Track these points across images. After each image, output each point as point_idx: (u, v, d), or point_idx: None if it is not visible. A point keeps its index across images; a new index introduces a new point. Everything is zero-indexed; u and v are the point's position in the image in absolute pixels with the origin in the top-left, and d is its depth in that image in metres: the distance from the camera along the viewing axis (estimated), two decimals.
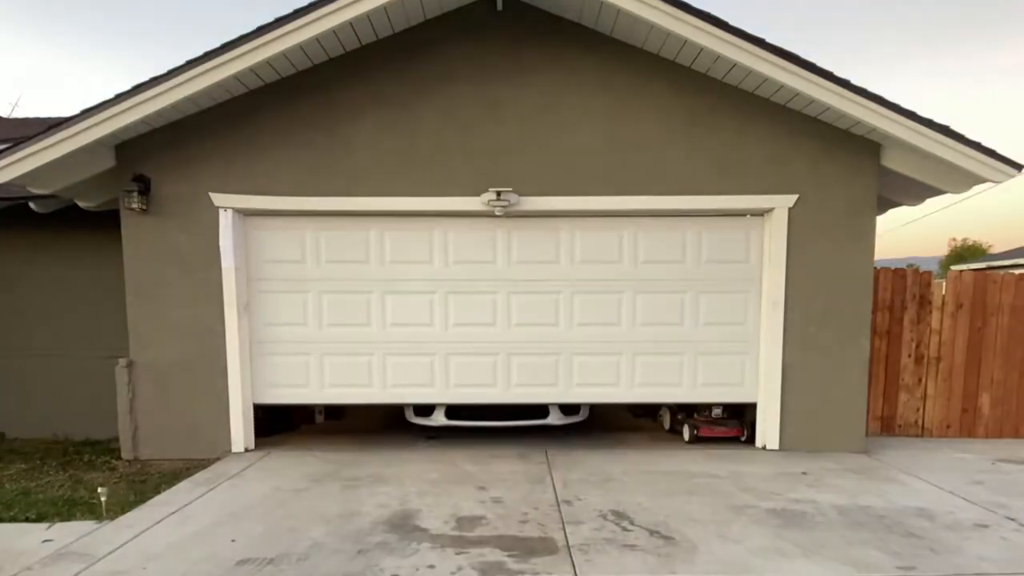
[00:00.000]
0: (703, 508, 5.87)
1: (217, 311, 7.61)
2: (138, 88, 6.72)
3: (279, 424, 8.82)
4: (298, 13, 6.55)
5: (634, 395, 8.25)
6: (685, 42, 6.89)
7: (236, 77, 6.92)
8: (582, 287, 7.99)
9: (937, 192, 7.85)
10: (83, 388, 8.81)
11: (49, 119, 8.87)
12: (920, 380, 8.77)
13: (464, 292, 7.98)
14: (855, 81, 6.83)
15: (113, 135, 7.01)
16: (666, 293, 8.01)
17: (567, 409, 8.40)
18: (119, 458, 7.75)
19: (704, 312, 8.03)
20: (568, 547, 4.99)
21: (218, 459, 7.52)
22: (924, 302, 8.67)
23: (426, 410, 8.36)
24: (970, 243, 62.45)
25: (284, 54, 6.82)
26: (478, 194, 7.49)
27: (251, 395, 7.91)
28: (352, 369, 8.05)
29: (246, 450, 7.80)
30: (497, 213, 7.52)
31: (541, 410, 8.31)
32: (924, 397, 8.80)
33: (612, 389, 8.17)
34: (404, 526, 5.41)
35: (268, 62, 6.87)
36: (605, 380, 8.14)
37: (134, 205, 7.34)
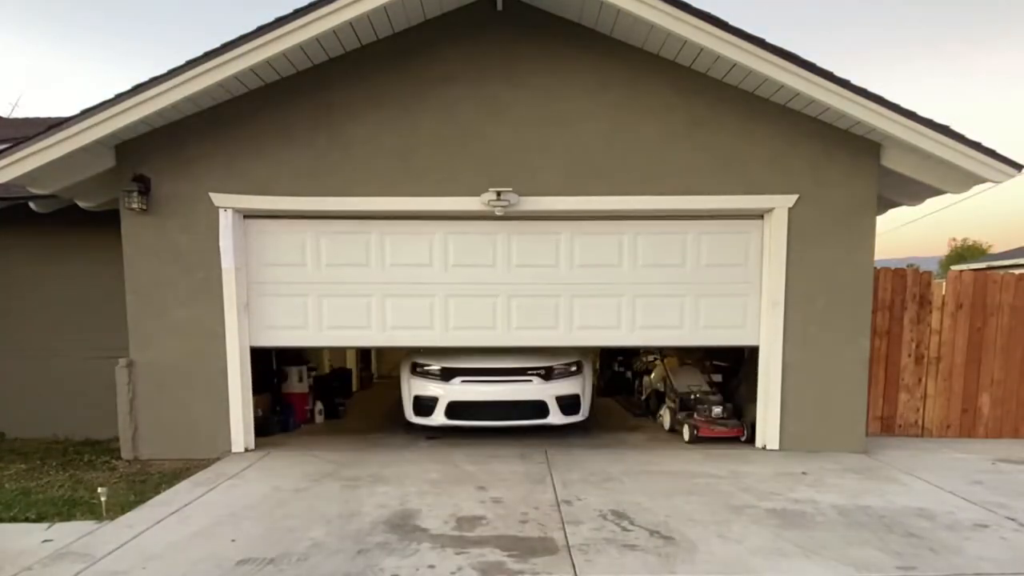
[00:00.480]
0: (703, 508, 5.87)
1: (217, 311, 7.62)
2: (138, 88, 6.72)
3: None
4: (298, 13, 6.55)
5: (635, 338, 8.22)
6: (685, 42, 6.89)
7: (236, 77, 6.93)
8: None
9: (937, 192, 7.86)
10: (83, 388, 8.80)
11: (49, 119, 8.85)
12: (920, 380, 8.77)
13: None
14: (855, 81, 6.84)
15: (113, 135, 7.01)
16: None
17: (567, 409, 8.40)
18: (119, 458, 7.75)
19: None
20: (568, 547, 4.99)
21: (218, 459, 7.52)
22: (924, 302, 8.67)
23: (427, 410, 8.36)
24: (970, 243, 62.36)
25: (284, 54, 6.82)
26: (478, 194, 7.49)
27: (248, 340, 7.85)
28: (351, 311, 8.01)
29: (246, 450, 7.79)
30: (497, 213, 7.52)
31: (541, 410, 8.31)
32: (924, 397, 8.81)
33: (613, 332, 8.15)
34: (404, 526, 5.41)
35: (268, 62, 6.87)
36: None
37: (134, 205, 7.34)
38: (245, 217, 7.73)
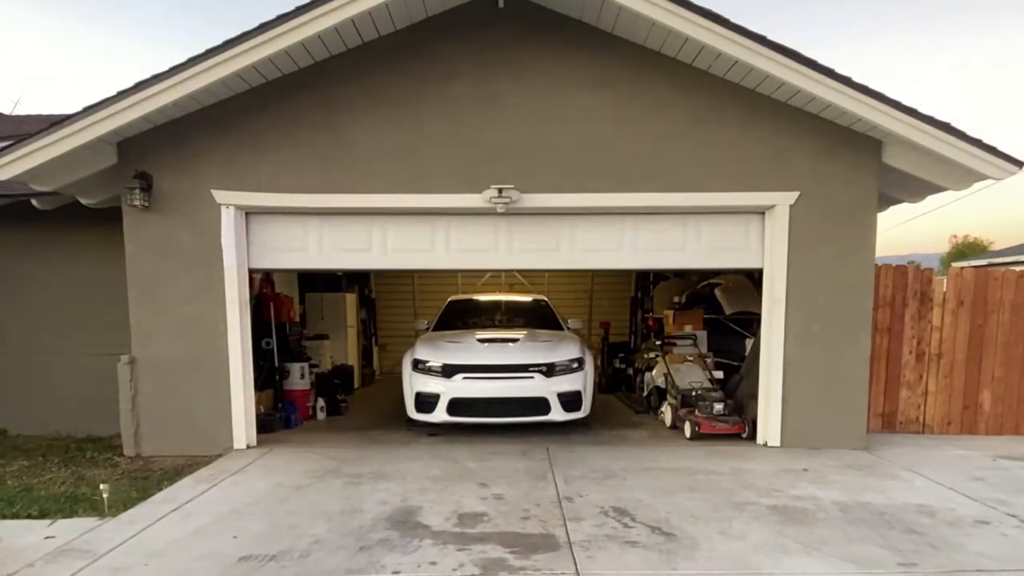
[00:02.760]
0: (704, 504, 5.88)
1: (219, 308, 7.63)
2: (140, 85, 6.72)
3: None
4: (301, 10, 6.56)
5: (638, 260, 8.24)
6: (686, 39, 6.90)
7: (239, 74, 6.93)
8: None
9: (938, 189, 7.86)
10: (85, 385, 8.82)
11: (51, 116, 8.87)
12: (921, 377, 8.77)
13: None
14: (856, 79, 6.85)
15: (115, 132, 7.01)
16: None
17: (568, 406, 8.40)
18: (121, 455, 7.77)
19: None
20: (570, 544, 5.00)
21: (220, 456, 7.54)
22: (925, 299, 8.67)
23: (428, 407, 8.36)
24: (971, 240, 62.26)
25: (287, 51, 6.82)
26: (480, 191, 7.49)
27: (247, 261, 7.86)
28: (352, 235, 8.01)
29: (248, 447, 7.81)
30: (499, 210, 7.52)
31: (543, 407, 8.32)
32: (925, 394, 8.81)
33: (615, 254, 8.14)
34: (406, 523, 5.42)
35: (271, 59, 6.88)
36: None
37: (136, 202, 7.35)
38: (248, 214, 7.74)
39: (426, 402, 8.40)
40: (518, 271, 7.95)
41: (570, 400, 8.44)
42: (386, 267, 8.34)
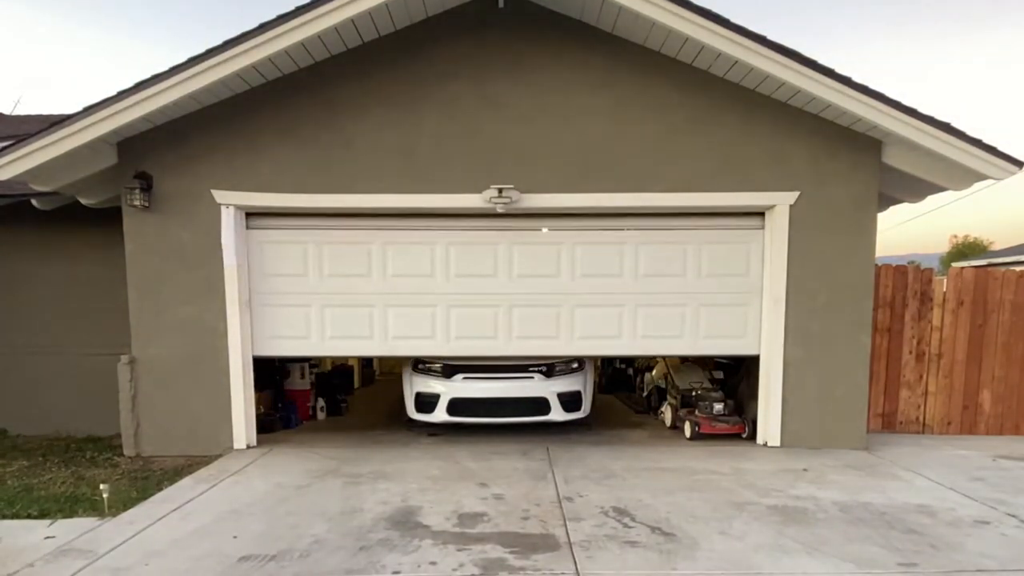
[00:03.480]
0: (704, 504, 5.88)
1: (219, 308, 7.63)
2: (140, 85, 6.72)
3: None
4: (301, 10, 6.55)
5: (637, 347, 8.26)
6: (686, 39, 6.89)
7: (239, 74, 6.93)
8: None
9: (938, 189, 7.86)
10: (85, 385, 8.83)
11: (51, 116, 8.87)
12: (921, 377, 8.78)
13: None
14: (856, 79, 6.85)
15: (115, 132, 7.01)
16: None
17: (568, 406, 8.41)
18: (121, 455, 7.77)
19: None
20: (570, 544, 5.00)
21: (220, 456, 7.54)
22: (925, 299, 8.68)
23: (429, 407, 8.36)
24: (971, 240, 62.35)
25: (287, 51, 6.82)
26: (479, 191, 7.49)
27: (251, 349, 7.89)
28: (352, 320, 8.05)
29: (248, 447, 7.81)
30: (499, 210, 7.52)
31: (543, 407, 8.31)
32: (925, 394, 8.81)
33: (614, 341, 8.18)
34: (406, 523, 5.42)
35: (271, 59, 6.87)
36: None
37: (136, 202, 7.35)
38: (248, 215, 7.74)
39: (426, 402, 8.40)
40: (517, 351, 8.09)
41: (570, 400, 8.44)
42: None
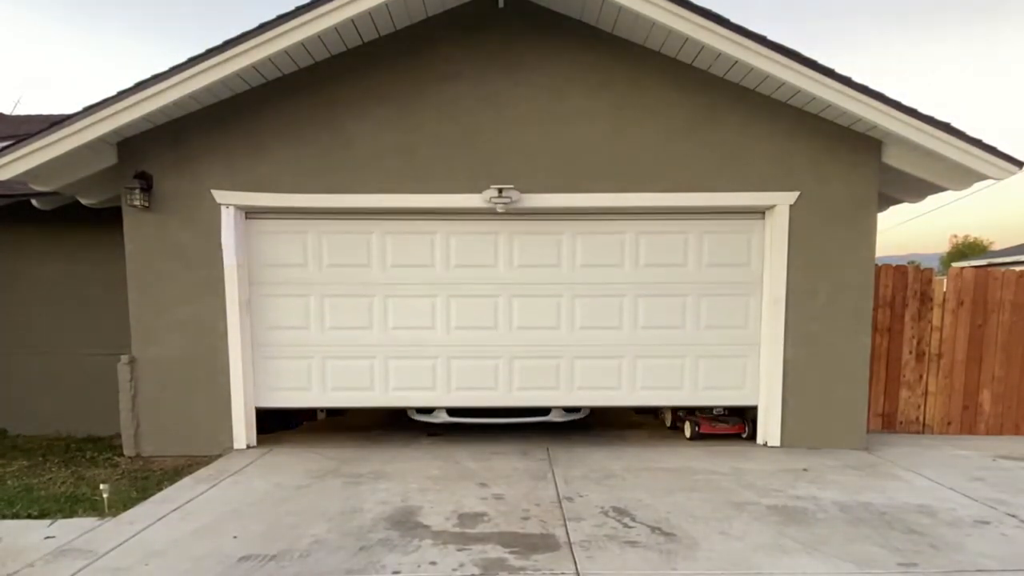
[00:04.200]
0: (704, 505, 5.88)
1: (219, 308, 7.63)
2: (140, 85, 6.72)
3: (278, 423, 8.80)
4: (300, 10, 6.56)
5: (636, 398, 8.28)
6: (686, 39, 6.90)
7: (239, 74, 6.93)
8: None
9: (938, 189, 7.86)
10: (85, 385, 8.84)
11: (51, 116, 8.87)
12: (921, 377, 8.78)
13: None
14: (856, 79, 6.85)
15: (115, 132, 7.01)
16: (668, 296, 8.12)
17: (568, 408, 8.41)
18: (121, 455, 7.77)
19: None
20: (570, 544, 5.00)
21: (220, 456, 7.54)
22: (925, 299, 8.67)
23: (429, 408, 8.37)
24: (971, 240, 62.43)
25: (287, 51, 6.82)
26: (480, 191, 7.49)
27: (253, 395, 7.92)
28: (354, 372, 8.11)
29: (248, 447, 7.81)
30: (499, 210, 7.52)
31: (541, 409, 8.32)
32: (925, 394, 8.81)
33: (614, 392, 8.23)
34: (406, 523, 5.42)
35: (271, 59, 6.87)
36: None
37: (136, 202, 7.34)
38: (247, 216, 7.75)
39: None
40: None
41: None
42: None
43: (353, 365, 8.07)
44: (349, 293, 7.98)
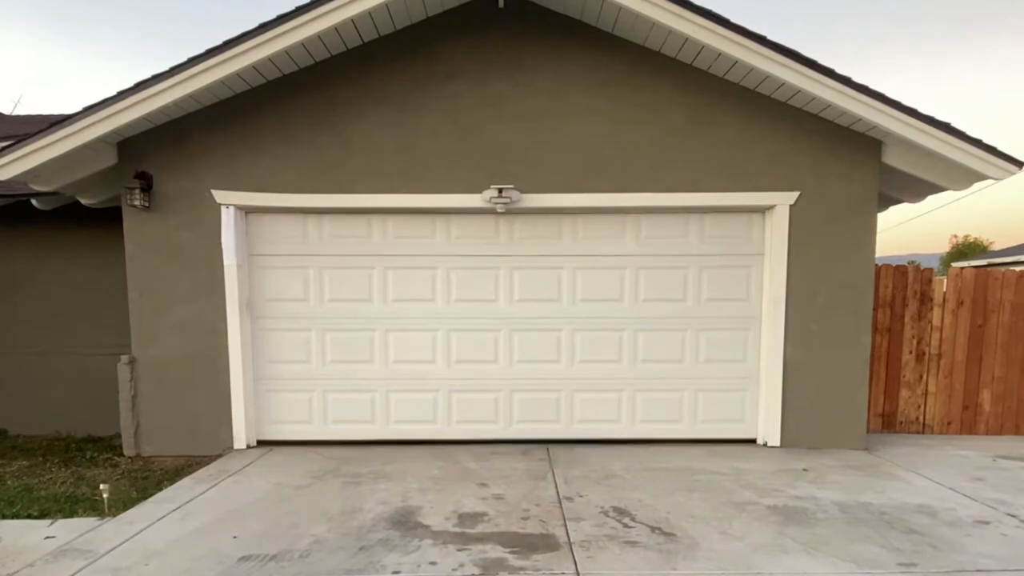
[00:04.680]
0: (704, 505, 5.88)
1: (219, 308, 7.63)
2: (140, 85, 6.72)
3: None
4: (300, 10, 6.56)
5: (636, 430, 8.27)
6: (686, 39, 6.90)
7: (239, 74, 6.93)
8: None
9: (938, 189, 7.86)
10: (85, 385, 8.84)
11: (51, 116, 8.88)
12: (921, 377, 8.77)
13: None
14: (854, 79, 6.85)
15: (115, 132, 7.01)
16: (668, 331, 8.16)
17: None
18: (121, 455, 7.77)
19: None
20: (570, 544, 5.00)
21: (220, 456, 7.54)
22: (925, 299, 8.67)
23: None
24: (971, 240, 62.42)
25: (287, 51, 6.82)
26: (480, 191, 7.50)
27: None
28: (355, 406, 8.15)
29: (248, 447, 7.81)
30: (499, 210, 7.53)
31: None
32: (925, 394, 8.81)
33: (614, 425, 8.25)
34: (406, 523, 5.42)
35: (271, 59, 6.87)
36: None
37: (136, 202, 7.35)
38: (247, 213, 7.75)
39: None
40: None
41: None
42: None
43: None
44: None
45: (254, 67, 6.92)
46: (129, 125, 6.97)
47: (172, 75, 6.71)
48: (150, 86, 6.71)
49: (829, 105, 7.06)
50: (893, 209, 9.69)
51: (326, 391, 8.08)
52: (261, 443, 7.99)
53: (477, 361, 8.12)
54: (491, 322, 8.06)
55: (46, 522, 5.61)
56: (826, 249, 7.66)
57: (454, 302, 8.02)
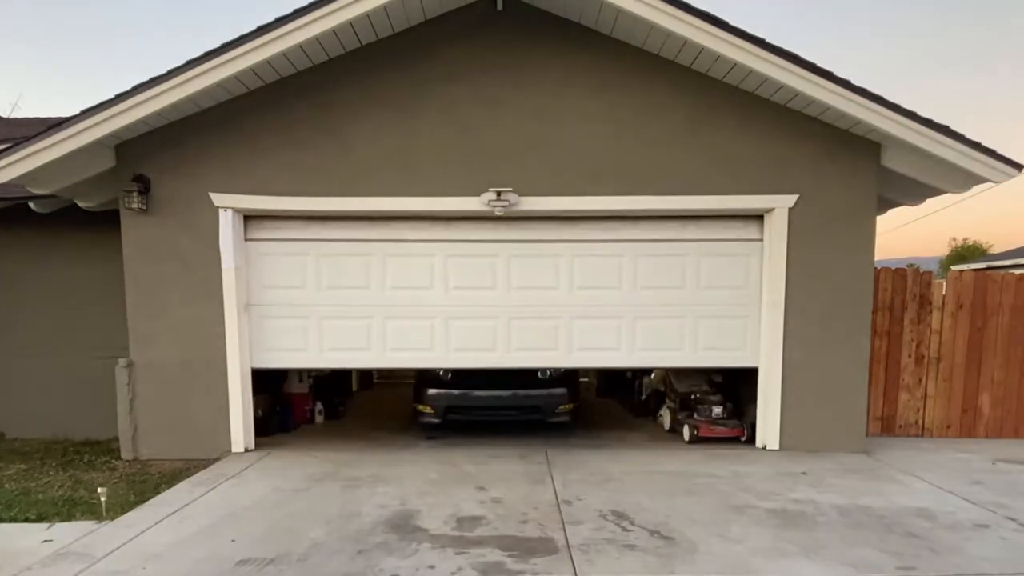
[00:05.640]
0: (703, 508, 5.87)
1: (217, 311, 7.61)
2: (138, 88, 6.72)
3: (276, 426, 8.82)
4: (298, 13, 6.55)
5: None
6: (685, 42, 6.90)
7: (236, 77, 6.93)
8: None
9: (937, 192, 7.86)
10: (83, 388, 8.81)
11: (49, 119, 8.86)
12: (920, 380, 8.76)
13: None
14: (855, 82, 6.85)
15: (113, 135, 7.01)
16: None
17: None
18: (119, 458, 7.75)
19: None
20: (568, 547, 4.99)
21: (218, 459, 7.52)
22: (924, 302, 8.67)
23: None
24: (970, 243, 62.30)
25: (284, 54, 6.82)
26: (478, 194, 7.48)
27: (249, 359, 7.91)
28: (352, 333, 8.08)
29: (246, 450, 7.79)
30: (497, 213, 7.52)
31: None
32: (924, 397, 8.80)
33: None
34: (404, 526, 5.41)
35: (268, 62, 6.87)
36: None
37: (134, 205, 7.34)
38: (246, 218, 7.74)
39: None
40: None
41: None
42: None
43: (351, 324, 8.06)
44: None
45: (252, 70, 6.92)
46: (127, 128, 6.97)
47: (169, 78, 6.71)
48: (147, 89, 6.72)
49: (828, 108, 7.06)
50: (892, 212, 9.70)
51: (322, 317, 8.03)
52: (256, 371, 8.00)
53: (476, 287, 8.08)
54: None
55: (44, 525, 5.61)
56: (825, 252, 7.65)
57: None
